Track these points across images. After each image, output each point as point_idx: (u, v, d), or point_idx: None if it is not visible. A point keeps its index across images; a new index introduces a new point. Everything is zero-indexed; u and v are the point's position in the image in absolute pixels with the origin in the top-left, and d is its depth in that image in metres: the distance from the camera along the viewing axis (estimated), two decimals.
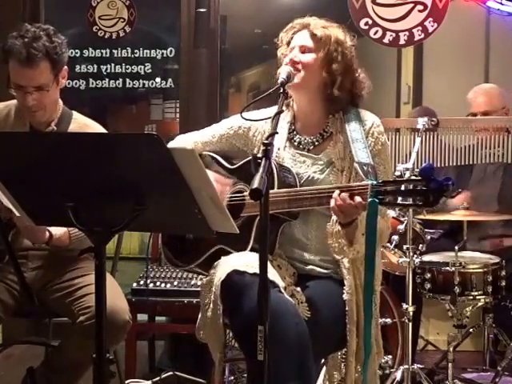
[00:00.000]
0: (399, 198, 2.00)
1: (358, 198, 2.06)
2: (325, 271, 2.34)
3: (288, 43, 2.42)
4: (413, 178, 2.01)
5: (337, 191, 2.10)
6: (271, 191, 2.16)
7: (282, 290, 2.12)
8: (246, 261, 2.13)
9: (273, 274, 2.15)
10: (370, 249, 2.09)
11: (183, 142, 2.55)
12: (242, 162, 2.42)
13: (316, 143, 2.40)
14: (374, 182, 2.06)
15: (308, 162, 2.38)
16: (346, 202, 2.07)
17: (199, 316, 2.32)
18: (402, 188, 2.00)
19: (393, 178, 2.07)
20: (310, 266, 2.34)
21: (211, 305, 2.21)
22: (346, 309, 2.24)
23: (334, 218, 2.20)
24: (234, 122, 2.52)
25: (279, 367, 1.98)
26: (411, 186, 1.99)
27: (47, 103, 2.67)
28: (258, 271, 1.88)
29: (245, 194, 2.33)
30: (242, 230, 2.21)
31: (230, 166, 2.45)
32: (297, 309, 2.12)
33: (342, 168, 2.32)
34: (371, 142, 2.33)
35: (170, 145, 2.44)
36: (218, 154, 2.50)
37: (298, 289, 2.22)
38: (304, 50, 2.36)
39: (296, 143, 2.42)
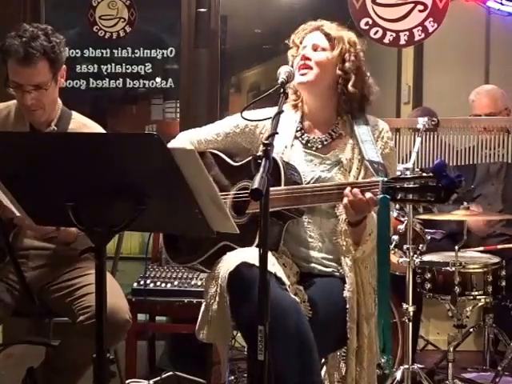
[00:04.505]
0: (410, 195, 2.01)
1: (368, 194, 2.07)
2: (326, 269, 2.34)
3: (299, 44, 2.43)
4: (424, 174, 2.01)
5: (348, 188, 2.10)
6: (277, 188, 2.17)
7: (288, 289, 2.13)
8: (254, 255, 2.12)
9: (280, 271, 2.16)
10: (382, 244, 2.10)
11: (186, 140, 2.54)
12: (247, 159, 2.42)
13: (325, 142, 2.41)
14: (385, 179, 2.07)
15: (315, 160, 2.38)
16: (358, 198, 2.08)
17: (200, 316, 2.31)
18: (413, 184, 2.00)
19: (404, 175, 2.07)
20: (313, 264, 2.34)
21: (217, 297, 2.19)
22: (347, 306, 2.25)
23: (343, 216, 2.22)
24: (240, 119, 2.51)
25: (282, 364, 1.99)
26: (423, 183, 1.99)
27: (46, 102, 2.67)
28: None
29: None
30: (248, 226, 2.22)
31: (234, 164, 2.45)
32: (300, 307, 2.12)
33: (349, 169, 2.33)
34: (381, 145, 2.35)
35: (171, 144, 2.45)
36: (220, 152, 2.50)
37: (301, 287, 2.23)
38: (317, 48, 2.38)
39: (304, 142, 2.42)
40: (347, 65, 2.37)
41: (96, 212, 1.79)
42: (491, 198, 3.79)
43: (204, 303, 2.31)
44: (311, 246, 2.34)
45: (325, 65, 2.37)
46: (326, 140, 2.41)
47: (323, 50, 2.38)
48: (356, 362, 2.28)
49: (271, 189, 1.91)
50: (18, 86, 2.63)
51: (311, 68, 2.35)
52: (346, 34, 2.41)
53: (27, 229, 2.64)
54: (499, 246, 3.46)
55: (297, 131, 2.44)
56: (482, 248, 3.41)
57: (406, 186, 2.02)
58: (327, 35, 2.39)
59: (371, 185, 2.09)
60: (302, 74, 2.36)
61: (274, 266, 2.13)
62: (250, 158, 2.40)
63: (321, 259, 2.34)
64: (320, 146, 2.40)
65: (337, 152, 2.37)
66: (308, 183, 2.31)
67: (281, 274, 2.15)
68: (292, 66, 2.40)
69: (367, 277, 2.31)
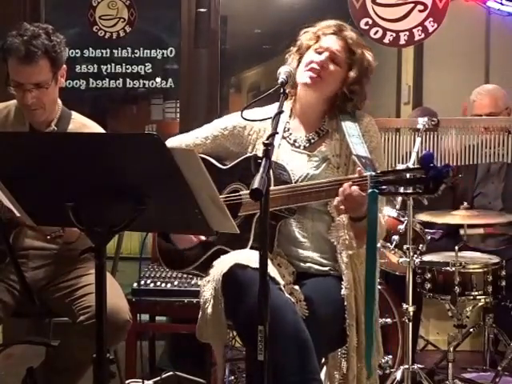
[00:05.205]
0: (399, 188, 2.01)
1: (354, 187, 2.08)
2: (323, 268, 2.34)
3: (318, 37, 2.41)
4: (412, 166, 2.01)
5: (343, 186, 2.10)
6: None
7: (282, 288, 2.13)
8: (248, 256, 2.13)
9: (274, 271, 2.16)
10: (370, 239, 2.10)
11: (175, 144, 2.53)
12: (235, 162, 2.42)
13: (312, 141, 2.42)
14: (373, 173, 2.07)
15: (303, 158, 2.39)
16: (346, 193, 2.08)
17: (199, 316, 2.32)
18: (402, 177, 2.01)
19: (392, 168, 2.07)
20: (308, 264, 2.34)
21: (212, 300, 2.20)
22: (345, 304, 2.25)
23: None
24: (227, 122, 2.52)
25: (280, 363, 1.99)
26: (411, 175, 1.99)
27: (46, 102, 2.67)
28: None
29: (241, 193, 2.34)
30: (241, 229, 2.21)
31: (222, 167, 2.45)
32: (295, 307, 2.12)
33: (337, 165, 2.34)
34: (367, 139, 2.35)
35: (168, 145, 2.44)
36: (208, 156, 2.49)
37: (297, 287, 2.22)
38: (334, 58, 2.36)
39: (291, 141, 2.43)
40: (356, 87, 2.37)
41: (96, 212, 1.79)
42: (491, 196, 3.79)
43: (201, 306, 2.31)
44: (305, 245, 2.35)
45: (335, 79, 2.37)
46: (313, 138, 2.42)
47: (338, 64, 2.36)
48: (357, 359, 2.28)
49: None
50: (18, 85, 2.63)
51: (321, 77, 2.35)
52: (367, 56, 2.40)
53: (31, 230, 2.64)
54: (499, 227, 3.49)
55: (284, 131, 2.44)
56: (481, 230, 3.41)
57: (394, 179, 2.02)
58: (351, 51, 2.38)
59: (360, 180, 2.09)
60: (311, 77, 2.34)
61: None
62: (239, 160, 2.41)
63: (316, 258, 2.35)
64: (307, 145, 2.41)
65: (323, 149, 2.38)
66: (297, 181, 2.32)
67: (274, 273, 2.15)
68: (299, 51, 2.40)
69: (364, 273, 2.31)
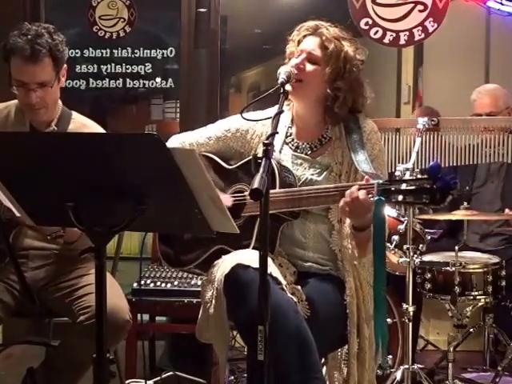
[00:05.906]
0: (406, 197, 2.01)
1: (362, 192, 2.07)
2: (323, 268, 2.35)
3: (299, 42, 2.41)
4: (419, 176, 2.01)
5: (351, 189, 2.10)
6: (273, 191, 2.17)
7: (284, 288, 2.14)
8: (249, 256, 2.13)
9: (275, 271, 2.16)
10: (378, 246, 2.09)
11: (178, 142, 2.54)
12: (242, 162, 2.42)
13: (314, 148, 2.40)
14: (380, 181, 2.06)
15: (305, 164, 2.38)
16: (353, 197, 2.07)
17: (199, 316, 2.32)
18: (409, 186, 2.00)
19: (399, 178, 2.07)
20: (309, 263, 2.34)
21: (213, 301, 2.20)
22: (347, 311, 2.25)
23: (347, 220, 2.23)
24: (231, 123, 2.51)
25: (281, 361, 2.00)
26: (418, 185, 1.99)
27: (49, 101, 2.68)
28: None
29: (245, 193, 2.34)
30: (244, 229, 2.22)
31: (228, 167, 2.45)
32: (297, 306, 2.13)
33: (339, 173, 2.33)
34: (369, 147, 2.34)
35: (168, 145, 2.45)
36: (214, 155, 2.49)
37: (299, 287, 2.23)
38: (311, 58, 2.35)
39: (293, 147, 2.43)
40: (339, 83, 2.33)
41: (96, 212, 1.79)
42: (490, 196, 3.79)
43: (202, 306, 2.31)
44: (306, 246, 2.35)
45: (316, 79, 2.34)
46: (316, 146, 2.40)
47: (317, 63, 2.34)
48: (358, 364, 2.28)
49: None
50: (22, 85, 2.62)
51: (301, 80, 2.32)
52: (345, 48, 2.35)
53: (31, 230, 2.64)
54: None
55: (286, 136, 2.44)
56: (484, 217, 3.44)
57: (401, 188, 2.01)
58: (325, 47, 2.34)
59: (366, 187, 2.09)
60: (291, 85, 2.30)
61: (269, 266, 2.13)
62: (244, 161, 2.41)
63: (316, 258, 2.35)
64: (309, 152, 2.40)
65: (326, 156, 2.37)
66: (299, 186, 2.31)
67: (276, 273, 2.15)
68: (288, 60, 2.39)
69: (365, 276, 2.31)
